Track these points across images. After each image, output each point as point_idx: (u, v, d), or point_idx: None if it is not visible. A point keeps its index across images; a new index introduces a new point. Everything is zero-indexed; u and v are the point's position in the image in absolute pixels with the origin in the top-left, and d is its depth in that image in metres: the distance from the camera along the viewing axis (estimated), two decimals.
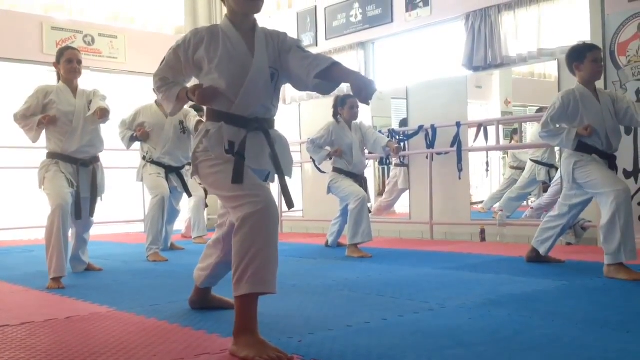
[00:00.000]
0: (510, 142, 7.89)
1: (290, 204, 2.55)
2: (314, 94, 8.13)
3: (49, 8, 8.51)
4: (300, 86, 2.55)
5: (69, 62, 4.16)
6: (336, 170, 5.41)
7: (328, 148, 5.40)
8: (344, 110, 5.37)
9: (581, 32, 5.64)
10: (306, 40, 8.24)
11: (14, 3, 8.27)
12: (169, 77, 2.59)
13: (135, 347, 2.28)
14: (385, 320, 2.65)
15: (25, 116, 4.12)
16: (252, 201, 2.25)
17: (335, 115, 5.42)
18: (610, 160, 3.94)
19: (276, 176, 2.53)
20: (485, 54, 6.35)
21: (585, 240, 5.47)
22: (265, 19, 8.89)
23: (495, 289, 3.35)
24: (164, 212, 5.21)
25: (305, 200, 8.25)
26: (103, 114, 4.10)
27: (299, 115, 8.32)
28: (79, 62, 4.21)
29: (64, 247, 3.89)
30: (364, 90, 2.24)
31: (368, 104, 2.33)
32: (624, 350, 2.11)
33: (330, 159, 5.44)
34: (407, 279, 3.84)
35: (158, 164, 5.39)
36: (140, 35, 9.01)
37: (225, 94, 2.43)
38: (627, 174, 5.18)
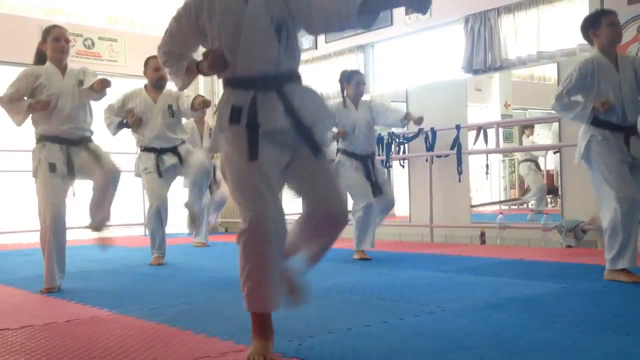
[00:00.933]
0: (521, 135, 7.88)
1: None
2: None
3: (49, 12, 8.52)
4: (331, 27, 2.24)
5: (56, 41, 3.95)
6: (340, 150, 5.28)
7: (335, 129, 5.29)
8: (349, 86, 5.22)
9: (581, 34, 5.63)
10: (306, 44, 8.24)
11: (14, 7, 8.29)
12: (174, 49, 2.37)
13: (135, 350, 2.28)
14: (386, 323, 2.65)
15: (13, 99, 3.92)
16: (245, 215, 2.08)
17: (342, 91, 5.27)
18: (626, 133, 3.67)
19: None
20: (484, 57, 6.36)
21: (586, 242, 5.47)
22: None
23: (496, 292, 3.35)
24: (162, 220, 5.14)
25: None
26: (104, 84, 3.90)
27: None
28: (67, 40, 4.01)
29: (56, 258, 3.79)
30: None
31: (426, 13, 2.03)
32: (624, 353, 2.10)
33: (336, 140, 5.31)
34: (407, 281, 3.84)
35: (151, 149, 5.20)
36: (140, 39, 9.01)
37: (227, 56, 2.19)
38: None
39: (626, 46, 5.21)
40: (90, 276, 4.46)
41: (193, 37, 2.31)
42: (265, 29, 2.16)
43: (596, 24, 3.77)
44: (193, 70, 2.35)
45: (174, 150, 5.21)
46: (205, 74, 2.32)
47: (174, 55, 2.38)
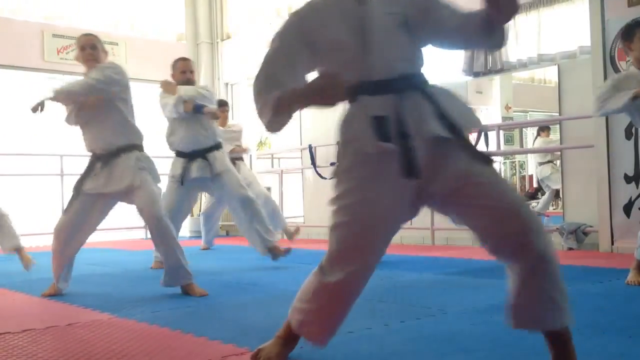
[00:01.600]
0: (536, 137, 7.86)
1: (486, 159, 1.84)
2: None
3: (50, 16, 8.54)
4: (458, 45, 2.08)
5: (81, 50, 3.80)
6: None
7: None
8: None
9: (581, 37, 5.65)
10: None
11: (15, 11, 8.30)
12: (278, 74, 1.88)
13: (136, 354, 2.28)
14: (387, 326, 2.64)
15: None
16: (341, 265, 1.89)
17: None
18: None
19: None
20: (485, 60, 6.36)
21: (587, 245, 5.46)
22: (265, 26, 8.91)
23: (497, 295, 3.33)
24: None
25: (306, 205, 8.25)
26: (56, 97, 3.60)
27: (300, 121, 8.32)
28: (93, 47, 3.77)
29: (57, 264, 3.77)
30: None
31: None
32: (626, 356, 2.10)
33: None
34: (408, 284, 3.83)
35: (181, 154, 4.95)
36: (141, 42, 9.03)
37: (349, 62, 1.87)
38: (628, 179, 5.18)
39: None
40: (91, 280, 4.46)
41: (302, 55, 1.91)
42: (394, 27, 1.89)
43: (629, 37, 3.55)
44: (285, 104, 1.82)
45: (204, 156, 4.91)
46: (308, 103, 1.82)
47: (273, 84, 1.86)
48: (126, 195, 3.72)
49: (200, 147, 4.91)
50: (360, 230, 1.85)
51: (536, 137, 8.01)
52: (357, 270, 1.91)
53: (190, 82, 5.02)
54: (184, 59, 5.08)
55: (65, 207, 3.83)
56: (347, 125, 1.86)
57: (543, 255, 1.71)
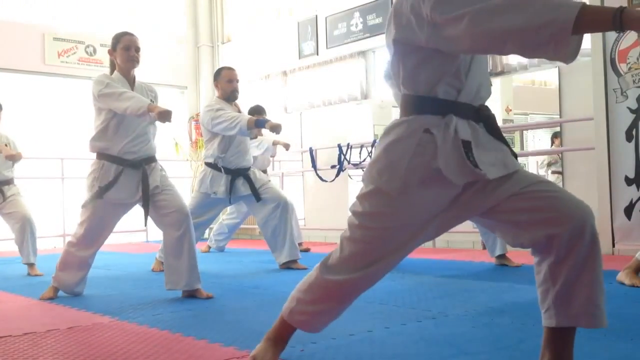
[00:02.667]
0: (552, 145, 7.85)
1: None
2: (315, 102, 8.15)
3: (50, 19, 8.55)
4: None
5: (126, 49, 3.70)
6: None
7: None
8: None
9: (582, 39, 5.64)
10: (307, 49, 8.26)
11: (16, 14, 8.32)
12: None
13: (137, 357, 2.28)
14: (388, 328, 2.64)
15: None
16: (356, 268, 1.87)
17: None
18: None
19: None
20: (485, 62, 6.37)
21: None
22: (265, 28, 8.92)
23: (498, 297, 3.35)
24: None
25: (307, 208, 8.26)
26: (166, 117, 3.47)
27: (300, 125, 8.33)
28: (137, 49, 3.76)
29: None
30: None
31: None
32: (627, 358, 2.10)
33: None
34: (409, 287, 3.83)
35: (225, 169, 4.84)
36: (141, 46, 9.04)
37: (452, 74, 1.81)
38: (629, 181, 5.18)
39: (627, 51, 5.21)
40: (92, 282, 4.45)
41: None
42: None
43: None
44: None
45: (246, 175, 4.93)
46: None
47: None
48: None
49: (246, 165, 4.98)
50: (394, 234, 1.83)
51: (552, 144, 7.98)
52: (364, 276, 1.89)
53: (236, 91, 4.97)
54: (228, 68, 4.99)
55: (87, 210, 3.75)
56: (420, 138, 1.84)
57: (596, 238, 1.69)
